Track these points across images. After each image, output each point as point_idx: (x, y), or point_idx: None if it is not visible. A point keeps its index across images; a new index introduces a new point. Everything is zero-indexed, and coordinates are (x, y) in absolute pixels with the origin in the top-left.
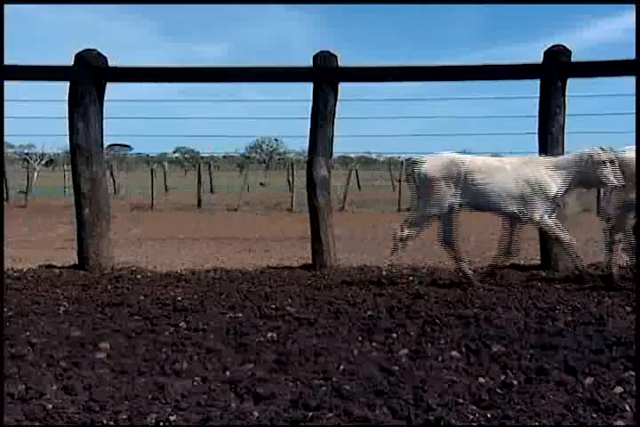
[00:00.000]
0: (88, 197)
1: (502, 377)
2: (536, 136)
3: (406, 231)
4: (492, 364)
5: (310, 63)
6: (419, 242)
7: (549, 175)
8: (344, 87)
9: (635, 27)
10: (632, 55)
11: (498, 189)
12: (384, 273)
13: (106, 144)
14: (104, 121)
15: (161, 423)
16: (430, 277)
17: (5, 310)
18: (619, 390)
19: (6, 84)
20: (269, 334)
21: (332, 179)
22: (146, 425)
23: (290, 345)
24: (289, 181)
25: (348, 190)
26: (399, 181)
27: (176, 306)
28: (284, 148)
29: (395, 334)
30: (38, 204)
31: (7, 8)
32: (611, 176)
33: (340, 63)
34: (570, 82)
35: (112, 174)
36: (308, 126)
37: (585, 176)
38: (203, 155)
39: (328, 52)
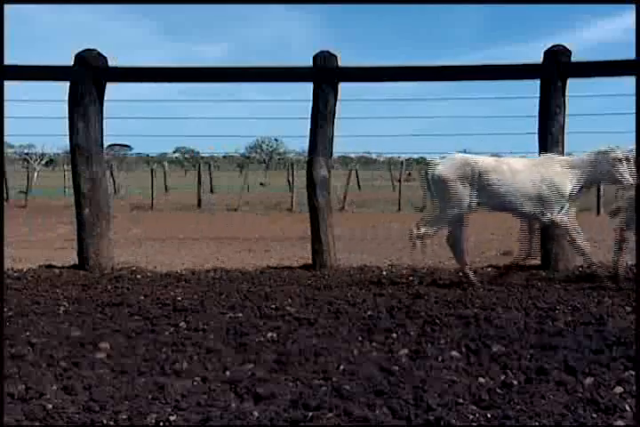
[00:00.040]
0: (88, 197)
1: (502, 377)
2: (536, 136)
3: (422, 230)
4: (492, 364)
5: (310, 63)
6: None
7: (565, 174)
8: (344, 87)
9: (635, 27)
10: (632, 55)
11: (513, 189)
12: (384, 273)
13: (106, 144)
14: (104, 121)
15: (161, 423)
16: (430, 277)
17: (5, 310)
18: (619, 390)
19: (6, 84)
20: (269, 334)
21: (332, 179)
22: (146, 425)
23: (290, 345)
24: (289, 181)
25: (348, 190)
26: (399, 181)
27: (176, 306)
28: (284, 148)
29: (395, 334)
30: (38, 204)
31: (7, 8)
32: (626, 174)
33: (340, 63)
34: (570, 82)
35: (112, 174)
36: (308, 126)
37: (600, 175)
38: (203, 155)
39: (328, 52)
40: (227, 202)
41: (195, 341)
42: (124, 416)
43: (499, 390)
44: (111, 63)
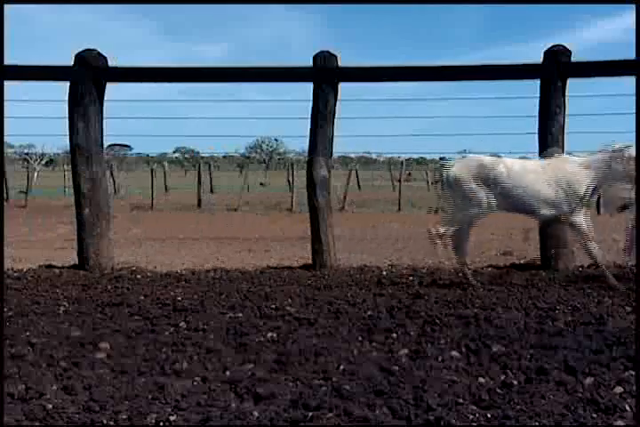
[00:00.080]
0: (88, 197)
1: (502, 377)
2: (536, 136)
3: (442, 229)
4: (492, 364)
5: (310, 63)
6: (420, 242)
7: (580, 175)
8: (344, 87)
9: (635, 27)
10: (632, 55)
11: (529, 190)
12: (384, 273)
13: (106, 144)
14: (104, 121)
15: (161, 423)
16: (430, 277)
17: (5, 310)
18: (619, 390)
19: (6, 84)
20: (269, 334)
21: (332, 179)
22: (146, 425)
23: (290, 345)
24: (289, 181)
25: (348, 190)
26: (399, 180)
27: (176, 306)
28: (284, 148)
29: (395, 334)
30: (38, 204)
31: (7, 8)
32: None
33: (340, 63)
34: (570, 82)
35: (112, 174)
36: (308, 126)
37: (615, 173)
38: (203, 155)
39: (328, 52)
40: (227, 202)
41: (195, 341)
42: (124, 416)
43: (499, 390)
44: (111, 63)
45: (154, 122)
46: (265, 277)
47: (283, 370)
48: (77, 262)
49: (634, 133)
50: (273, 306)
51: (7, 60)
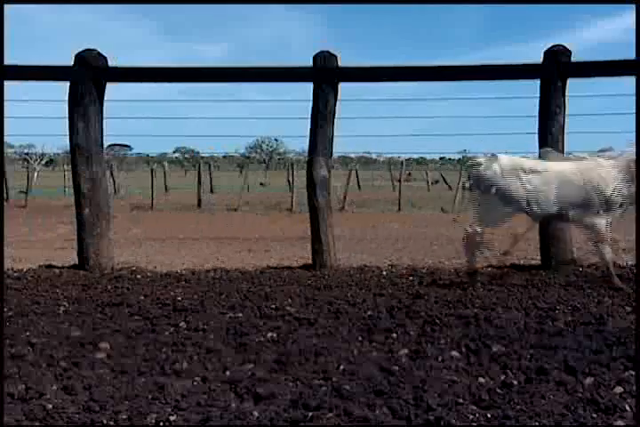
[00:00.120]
0: (88, 197)
1: (502, 377)
2: (536, 136)
3: (478, 229)
4: (492, 364)
5: (310, 63)
6: (420, 242)
7: (607, 176)
8: (344, 87)
9: (635, 27)
10: (632, 55)
11: (556, 192)
12: (384, 273)
13: (106, 144)
14: (104, 121)
15: (161, 423)
16: (430, 277)
17: (5, 310)
18: (619, 390)
19: (6, 84)
20: (269, 334)
21: (332, 179)
22: (146, 425)
23: (290, 345)
24: (289, 181)
25: (348, 190)
26: (399, 180)
27: (176, 306)
28: (284, 148)
29: (395, 334)
30: (38, 204)
31: (7, 8)
32: None
33: (340, 63)
34: (570, 82)
35: (112, 174)
36: (308, 126)
37: (636, 173)
38: (203, 155)
39: (328, 52)
40: (227, 202)
41: (195, 341)
42: (124, 416)
43: (499, 390)
44: (111, 63)
45: (154, 122)
46: (265, 277)
47: (283, 370)
48: (77, 262)
49: (634, 133)
50: (273, 306)
51: (7, 60)
